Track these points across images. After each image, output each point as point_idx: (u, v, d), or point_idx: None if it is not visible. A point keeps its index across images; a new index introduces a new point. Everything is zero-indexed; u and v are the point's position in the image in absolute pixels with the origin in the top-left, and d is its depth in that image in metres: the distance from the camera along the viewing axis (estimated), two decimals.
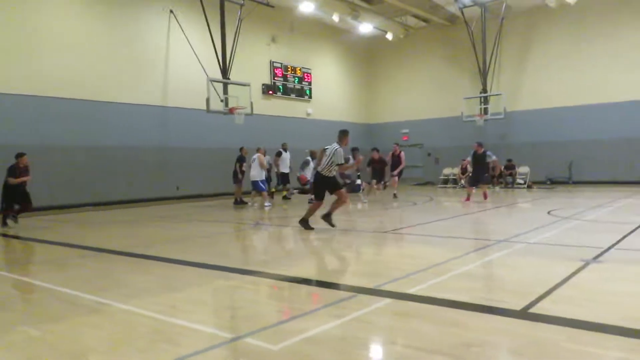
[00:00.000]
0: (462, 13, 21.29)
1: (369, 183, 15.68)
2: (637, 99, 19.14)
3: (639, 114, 19.13)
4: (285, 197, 16.70)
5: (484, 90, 21.60)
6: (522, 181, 20.17)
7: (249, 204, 14.88)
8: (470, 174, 14.31)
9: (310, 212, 8.93)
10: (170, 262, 6.30)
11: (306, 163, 15.00)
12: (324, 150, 8.68)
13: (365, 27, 23.01)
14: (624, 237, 7.01)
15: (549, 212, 10.38)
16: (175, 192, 17.53)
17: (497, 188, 19.75)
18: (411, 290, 4.45)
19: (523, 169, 20.57)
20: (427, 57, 24.98)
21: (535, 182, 20.17)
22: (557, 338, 3.23)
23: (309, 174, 14.65)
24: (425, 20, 23.95)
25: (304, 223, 8.87)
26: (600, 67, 20.00)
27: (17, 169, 10.70)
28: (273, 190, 16.73)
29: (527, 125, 21.54)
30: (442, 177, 23.11)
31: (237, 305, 4.39)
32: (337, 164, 8.54)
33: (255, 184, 14.44)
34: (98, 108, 15.66)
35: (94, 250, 7.47)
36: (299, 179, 16.46)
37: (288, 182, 16.60)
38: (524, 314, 3.73)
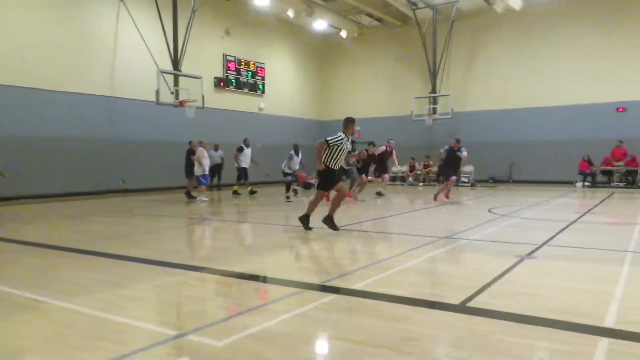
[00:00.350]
0: (415, 14, 21.75)
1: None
2: (574, 103, 20.21)
3: (575, 117, 20.21)
4: (252, 192, 16.37)
5: (434, 91, 22.19)
6: (466, 180, 20.89)
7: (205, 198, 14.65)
8: (442, 169, 14.00)
9: (313, 205, 8.26)
10: (113, 257, 6.14)
11: (290, 157, 14.27)
12: (327, 141, 7.90)
13: (320, 24, 23.09)
14: (556, 234, 7.42)
15: (489, 210, 10.84)
16: (121, 185, 17.02)
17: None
18: (357, 286, 4.55)
19: (467, 168, 21.28)
20: (380, 56, 25.38)
21: (478, 181, 20.94)
22: (492, 330, 3.40)
23: (295, 168, 14.31)
24: (379, 19, 24.33)
25: (305, 220, 8.18)
26: (541, 72, 20.99)
27: None
28: (235, 187, 16.47)
29: (473, 125, 22.31)
30: (390, 174, 23.52)
31: (181, 301, 4.34)
32: (346, 151, 7.97)
33: (196, 178, 14.25)
34: (39, 96, 14.97)
35: (32, 246, 7.16)
36: (292, 175, 14.74)
37: (247, 177, 16.39)
38: (462, 308, 3.90)
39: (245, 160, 16.10)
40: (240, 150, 16.07)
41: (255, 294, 4.61)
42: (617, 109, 19.45)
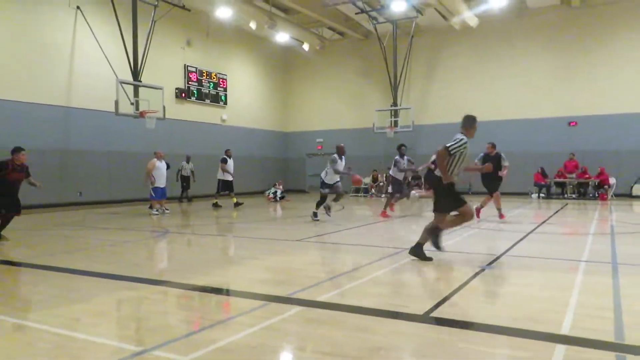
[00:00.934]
0: (375, 29, 22.17)
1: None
2: (529, 117, 21.00)
3: (530, 130, 20.99)
4: (237, 204, 16.02)
5: (395, 104, 22.60)
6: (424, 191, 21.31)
7: (167, 210, 14.31)
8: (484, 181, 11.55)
9: (432, 232, 6.40)
10: (72, 272, 5.95)
11: (333, 161, 12.17)
12: (447, 148, 6.11)
13: (282, 37, 23.21)
14: (514, 244, 7.67)
15: None
16: (78, 197, 16.50)
17: (405, 198, 20.65)
18: (322, 298, 4.57)
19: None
20: (342, 69, 25.70)
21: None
22: (454, 339, 3.48)
23: (336, 178, 12.03)
24: (340, 33, 24.67)
25: (419, 251, 6.36)
26: (497, 87, 21.75)
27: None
28: (214, 201, 16.15)
29: (433, 138, 22.77)
30: (353, 185, 23.75)
31: (144, 316, 4.25)
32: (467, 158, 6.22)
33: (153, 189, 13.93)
34: None
35: None
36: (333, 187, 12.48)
37: (232, 189, 16.15)
38: (426, 317, 3.98)
39: (229, 171, 15.98)
40: (225, 161, 15.92)
41: (220, 308, 4.56)
42: (569, 123, 20.33)
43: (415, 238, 6.61)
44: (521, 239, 8.23)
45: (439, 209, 6.34)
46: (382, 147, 23.72)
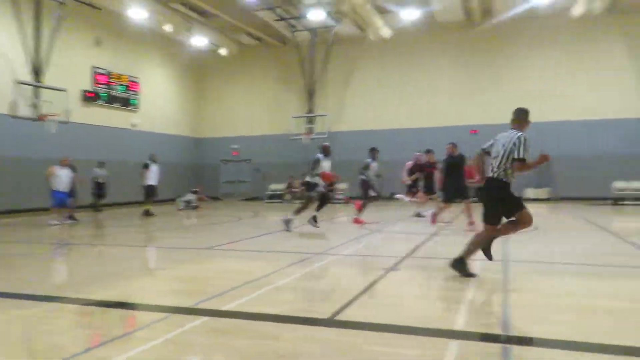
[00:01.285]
0: (294, 36, 22.37)
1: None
2: (434, 126, 22.15)
3: (435, 138, 22.02)
4: (147, 213, 15.01)
5: (311, 111, 22.91)
6: (342, 197, 21.77)
7: (71, 221, 13.34)
8: (443, 185, 10.75)
9: (478, 245, 5.67)
10: None
11: (366, 167, 11.75)
12: (484, 150, 5.63)
13: (199, 41, 22.73)
14: (418, 246, 8.04)
15: (362, 226, 11.39)
16: None
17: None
18: (229, 306, 4.51)
19: (342, 186, 22.21)
20: (260, 75, 25.64)
21: (352, 198, 21.93)
22: (358, 341, 3.58)
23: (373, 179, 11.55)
24: (258, 39, 24.59)
25: (461, 266, 5.59)
26: (408, 97, 22.79)
27: None
28: (147, 207, 15.17)
29: (348, 145, 23.38)
30: (269, 192, 23.74)
31: (35, 336, 3.95)
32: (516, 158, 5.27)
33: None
34: None
35: None
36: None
37: (155, 195, 15.27)
38: (331, 321, 4.05)
39: (153, 177, 15.14)
40: (146, 167, 15.11)
41: (120, 322, 4.34)
42: (470, 132, 21.70)
43: (330, 242, 6.72)
44: (424, 241, 8.63)
45: (492, 220, 5.54)
46: (298, 153, 23.90)
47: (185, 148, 25.56)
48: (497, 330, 3.78)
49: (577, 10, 19.35)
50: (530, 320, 4.05)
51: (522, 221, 5.41)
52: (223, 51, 24.17)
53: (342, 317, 4.17)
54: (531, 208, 5.64)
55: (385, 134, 22.98)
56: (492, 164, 5.45)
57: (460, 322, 3.98)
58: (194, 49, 24.13)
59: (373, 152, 12.07)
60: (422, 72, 22.66)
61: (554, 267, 6.49)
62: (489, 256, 5.68)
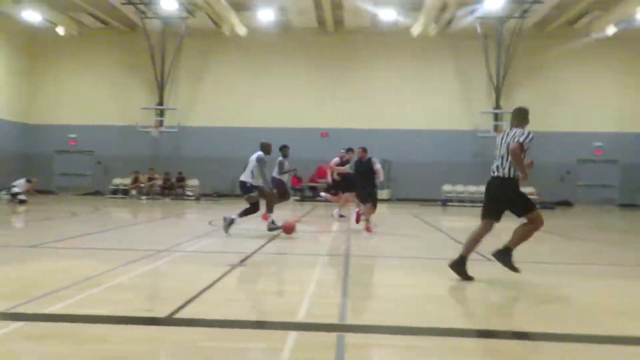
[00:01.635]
0: (143, 23, 21.07)
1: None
2: (286, 127, 22.61)
3: (288, 139, 22.54)
4: None
5: (161, 103, 21.81)
6: (191, 193, 21.12)
7: None
8: (358, 189, 10.40)
9: (522, 238, 5.39)
10: None
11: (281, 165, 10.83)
12: (521, 143, 5.21)
13: (32, 15, 20.18)
14: (267, 243, 8.11)
15: (210, 222, 11.15)
16: None
17: (167, 200, 20.10)
18: (52, 309, 4.03)
19: (193, 182, 21.58)
20: (105, 61, 23.71)
21: (203, 195, 21.41)
22: (197, 338, 3.45)
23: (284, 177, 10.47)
24: (104, 22, 22.64)
25: (507, 258, 5.38)
26: (263, 96, 22.94)
27: None
28: None
29: (199, 140, 22.77)
30: (112, 187, 22.05)
31: None
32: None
33: None
34: None
35: None
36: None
37: None
38: (170, 320, 3.85)
39: None
40: None
41: None
42: (321, 134, 22.65)
43: (174, 239, 6.41)
44: (274, 238, 8.74)
45: (489, 215, 5.41)
46: (145, 146, 22.61)
47: (12, 134, 22.52)
48: (334, 320, 3.94)
49: (416, 30, 21.39)
50: (366, 309, 4.31)
51: (536, 222, 5.32)
52: (60, 30, 21.82)
53: (181, 315, 4.00)
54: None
55: (239, 131, 22.85)
56: (497, 163, 5.34)
57: (301, 314, 4.07)
58: (26, 25, 21.39)
59: (284, 150, 11.64)
60: (277, 74, 23.05)
61: (388, 261, 7.02)
62: (465, 276, 5.37)
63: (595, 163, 22.45)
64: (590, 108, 21.99)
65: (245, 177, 9.42)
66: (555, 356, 3.30)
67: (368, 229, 9.72)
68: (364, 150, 10.28)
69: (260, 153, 9.62)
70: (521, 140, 5.19)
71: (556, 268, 6.61)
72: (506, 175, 5.23)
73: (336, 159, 13.17)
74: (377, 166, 10.01)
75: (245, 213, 9.23)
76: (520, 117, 5.48)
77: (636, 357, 3.37)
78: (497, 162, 5.33)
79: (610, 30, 20.36)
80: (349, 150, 12.85)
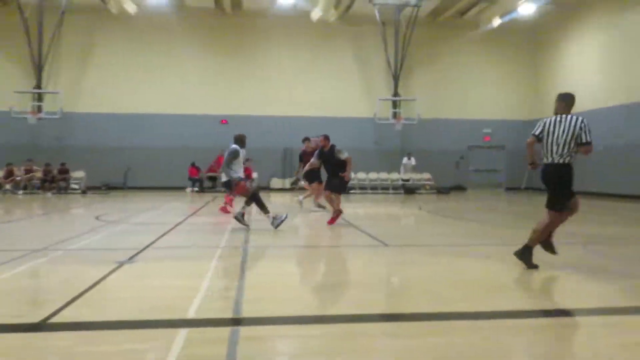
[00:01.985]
0: None
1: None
2: (183, 113, 21.78)
3: (185, 126, 21.80)
4: None
5: (39, 86, 19.89)
6: (76, 186, 19.58)
7: None
8: (327, 179, 9.77)
9: (545, 232, 5.51)
10: None
11: (234, 155, 9.12)
12: (536, 136, 5.43)
13: None
14: (160, 236, 7.70)
15: (97, 217, 10.36)
16: None
17: (49, 194, 18.47)
18: None
19: (78, 174, 19.99)
20: None
21: (90, 188, 19.93)
22: (72, 343, 3.17)
23: (240, 171, 9.06)
24: None
25: (527, 254, 5.45)
26: (153, 80, 21.71)
27: None
28: None
29: (86, 128, 21.11)
30: None
31: None
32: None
33: None
34: None
35: None
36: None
37: None
38: (43, 325, 3.49)
39: None
40: None
41: None
42: (221, 121, 22.02)
43: (55, 237, 5.84)
44: (168, 231, 8.34)
45: (559, 207, 5.41)
46: (22, 135, 20.51)
47: None
48: (228, 314, 3.81)
49: (315, 15, 21.48)
50: (261, 300, 4.22)
51: (574, 208, 5.45)
52: None
53: (58, 319, 3.63)
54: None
55: (131, 118, 21.56)
56: (552, 149, 5.32)
57: (192, 310, 3.88)
58: None
59: (241, 138, 10.05)
60: (171, 56, 21.96)
61: (285, 252, 7.00)
62: (553, 251, 5.61)
63: (484, 149, 24.17)
64: (480, 96, 23.55)
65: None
66: (436, 335, 3.46)
67: (336, 217, 9.35)
68: (326, 138, 9.64)
69: (234, 146, 9.22)
70: (589, 139, 5.24)
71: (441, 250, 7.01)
72: (569, 163, 5.31)
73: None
74: (346, 155, 9.30)
75: (248, 204, 8.82)
76: (571, 103, 5.48)
77: (515, 330, 3.62)
78: (554, 148, 5.31)
79: (496, 22, 21.90)
80: (306, 139, 12.32)
